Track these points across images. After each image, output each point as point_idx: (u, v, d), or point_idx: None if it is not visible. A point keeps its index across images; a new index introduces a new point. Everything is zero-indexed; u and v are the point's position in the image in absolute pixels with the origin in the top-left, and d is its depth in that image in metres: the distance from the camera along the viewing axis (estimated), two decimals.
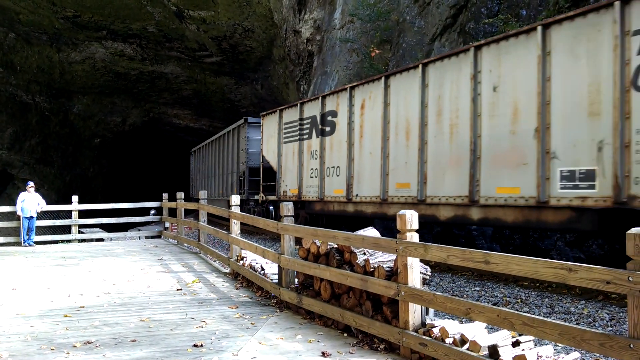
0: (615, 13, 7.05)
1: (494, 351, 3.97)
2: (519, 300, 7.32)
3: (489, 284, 8.44)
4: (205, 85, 31.35)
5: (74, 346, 4.98)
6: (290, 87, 25.59)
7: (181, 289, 7.80)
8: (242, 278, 8.49)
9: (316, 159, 13.73)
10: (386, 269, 5.03)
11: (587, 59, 7.43)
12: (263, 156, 16.98)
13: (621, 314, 6.40)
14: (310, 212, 14.40)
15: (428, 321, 4.73)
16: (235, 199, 9.40)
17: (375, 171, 11.34)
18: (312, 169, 13.99)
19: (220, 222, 22.06)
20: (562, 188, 7.64)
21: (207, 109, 35.37)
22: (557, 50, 7.81)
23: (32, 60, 27.21)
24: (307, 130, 14.25)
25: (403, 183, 10.52)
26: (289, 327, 5.67)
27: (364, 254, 5.47)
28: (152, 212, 19.17)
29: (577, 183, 7.46)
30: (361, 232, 5.79)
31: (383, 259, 5.32)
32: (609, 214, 7.34)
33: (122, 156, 39.38)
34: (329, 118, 13.21)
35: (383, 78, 11.22)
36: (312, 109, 14.05)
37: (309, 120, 14.19)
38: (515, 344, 4.15)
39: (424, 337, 4.41)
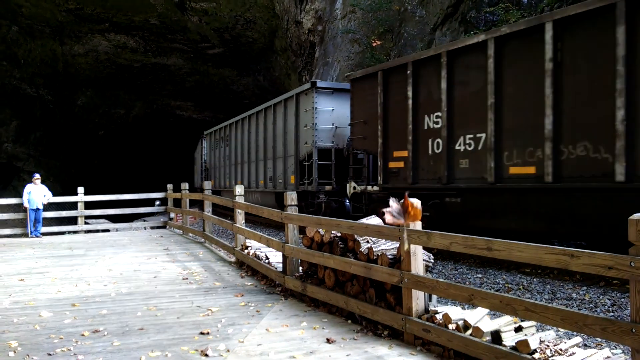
0: None
1: (496, 336, 4.02)
2: (521, 287, 7.37)
3: (491, 270, 8.49)
4: (208, 77, 31.35)
5: (83, 335, 5.05)
6: (292, 78, 25.58)
7: (187, 278, 7.88)
8: (247, 267, 8.56)
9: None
10: (389, 256, 5.08)
11: None
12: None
13: (623, 299, 6.44)
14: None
15: (431, 307, 4.78)
16: (240, 189, 9.45)
17: None
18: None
19: (225, 212, 21.71)
20: None
21: (209, 101, 35.40)
22: None
23: (36, 53, 27.25)
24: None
25: None
26: (294, 314, 5.74)
27: (367, 242, 5.52)
28: (157, 202, 19.25)
29: None
30: (364, 220, 5.84)
31: (386, 246, 5.36)
32: None
33: (126, 148, 39.50)
34: None
35: None
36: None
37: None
38: (518, 329, 4.21)
39: (427, 323, 4.47)
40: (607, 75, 7.55)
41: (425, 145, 10.64)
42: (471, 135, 9.68)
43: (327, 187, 14.24)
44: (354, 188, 12.43)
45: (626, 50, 7.32)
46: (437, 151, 10.37)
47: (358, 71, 13.14)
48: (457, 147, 9.96)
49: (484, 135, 9.40)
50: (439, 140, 10.32)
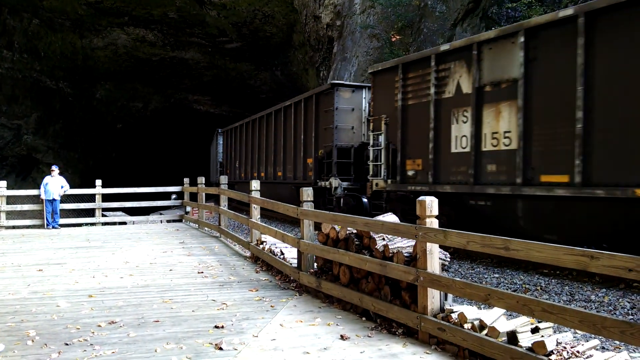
0: None
1: (512, 337, 3.97)
2: (538, 288, 7.29)
3: (508, 271, 8.41)
4: (225, 71, 31.45)
5: (99, 325, 5.10)
6: (309, 73, 25.55)
7: (202, 272, 7.92)
8: (261, 262, 8.59)
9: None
10: (405, 254, 5.05)
11: None
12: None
13: None
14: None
15: (447, 307, 4.74)
16: (255, 184, 9.47)
17: None
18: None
19: (240, 207, 21.79)
20: None
21: (227, 95, 35.52)
22: None
23: (56, 46, 27.57)
24: None
25: None
26: (308, 310, 5.74)
27: (383, 239, 5.49)
28: (173, 196, 19.39)
29: None
30: (380, 217, 5.81)
31: (402, 244, 5.33)
32: None
33: (143, 141, 39.84)
34: None
35: None
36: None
37: None
38: (535, 330, 4.15)
39: (442, 322, 4.43)
40: None
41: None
42: None
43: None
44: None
45: None
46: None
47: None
48: None
49: None
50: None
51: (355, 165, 14.60)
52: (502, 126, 9.22)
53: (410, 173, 11.27)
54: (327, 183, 14.78)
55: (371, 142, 12.42)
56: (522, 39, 8.86)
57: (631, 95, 7.43)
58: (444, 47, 10.58)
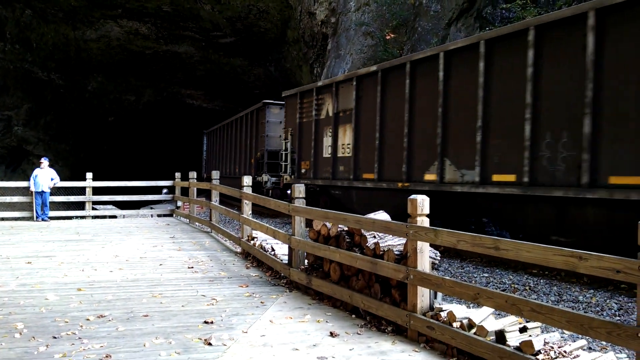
0: None
1: (501, 336, 4.00)
2: (527, 288, 7.33)
3: (497, 270, 8.46)
4: (219, 66, 31.31)
5: (88, 319, 5.08)
6: (303, 69, 25.50)
7: (192, 267, 7.91)
8: (252, 258, 8.58)
9: None
10: (396, 252, 5.07)
11: None
12: None
13: (630, 304, 6.40)
14: None
15: (436, 305, 4.77)
16: (247, 180, 9.45)
17: None
18: None
19: (229, 201, 22.07)
20: None
21: (220, 90, 35.38)
22: None
23: (48, 37, 27.31)
24: None
25: None
26: (298, 307, 5.74)
27: (374, 237, 5.50)
28: (164, 191, 19.35)
29: None
30: (372, 215, 5.82)
31: (393, 242, 5.35)
32: None
33: (135, 134, 39.60)
34: None
35: None
36: None
37: None
38: (523, 330, 4.19)
39: (431, 320, 4.46)
40: None
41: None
42: None
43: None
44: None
45: None
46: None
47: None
48: None
49: None
50: None
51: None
52: (346, 140, 13.11)
53: (303, 171, 15.18)
54: (260, 178, 19.03)
55: (283, 148, 16.61)
56: (354, 82, 12.63)
57: (388, 129, 11.61)
58: (320, 83, 14.58)
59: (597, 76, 7.53)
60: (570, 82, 7.91)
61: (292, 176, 15.81)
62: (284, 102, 17.45)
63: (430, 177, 10.39)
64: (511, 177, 8.71)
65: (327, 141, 13.80)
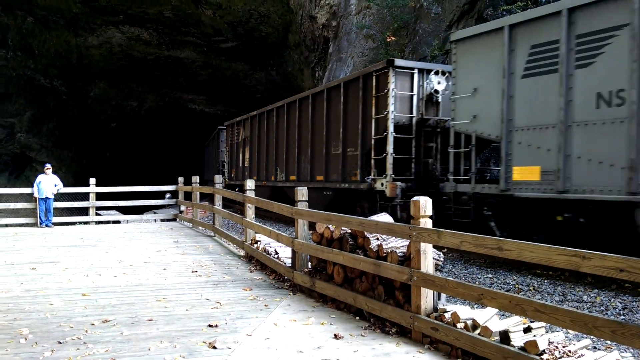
0: None
1: (505, 336, 4.00)
2: (531, 288, 7.33)
3: (501, 271, 8.45)
4: (221, 71, 31.41)
5: (92, 324, 5.10)
6: (305, 73, 25.55)
7: (196, 271, 7.92)
8: (256, 261, 8.59)
9: None
10: (399, 254, 5.07)
11: None
12: None
13: (634, 303, 6.39)
14: None
15: (440, 306, 4.76)
16: (250, 184, 9.47)
17: None
18: None
19: (233, 205, 22.06)
20: None
21: (222, 95, 35.47)
22: None
23: (50, 44, 27.45)
24: None
25: None
26: (302, 309, 5.75)
27: (377, 239, 5.50)
28: (167, 195, 19.36)
29: None
30: (374, 217, 5.83)
31: (396, 244, 5.35)
32: None
33: (138, 140, 39.71)
34: None
35: None
36: None
37: None
38: (527, 330, 4.18)
39: (435, 321, 4.45)
40: None
41: None
42: None
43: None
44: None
45: None
46: None
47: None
48: None
49: None
50: None
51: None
52: (246, 156, 21.22)
53: (232, 175, 23.35)
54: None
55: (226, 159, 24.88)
56: (249, 120, 20.77)
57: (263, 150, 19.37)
58: (239, 118, 22.51)
59: None
60: None
61: (226, 178, 25.09)
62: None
63: (274, 178, 18.10)
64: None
65: (244, 155, 21.65)
